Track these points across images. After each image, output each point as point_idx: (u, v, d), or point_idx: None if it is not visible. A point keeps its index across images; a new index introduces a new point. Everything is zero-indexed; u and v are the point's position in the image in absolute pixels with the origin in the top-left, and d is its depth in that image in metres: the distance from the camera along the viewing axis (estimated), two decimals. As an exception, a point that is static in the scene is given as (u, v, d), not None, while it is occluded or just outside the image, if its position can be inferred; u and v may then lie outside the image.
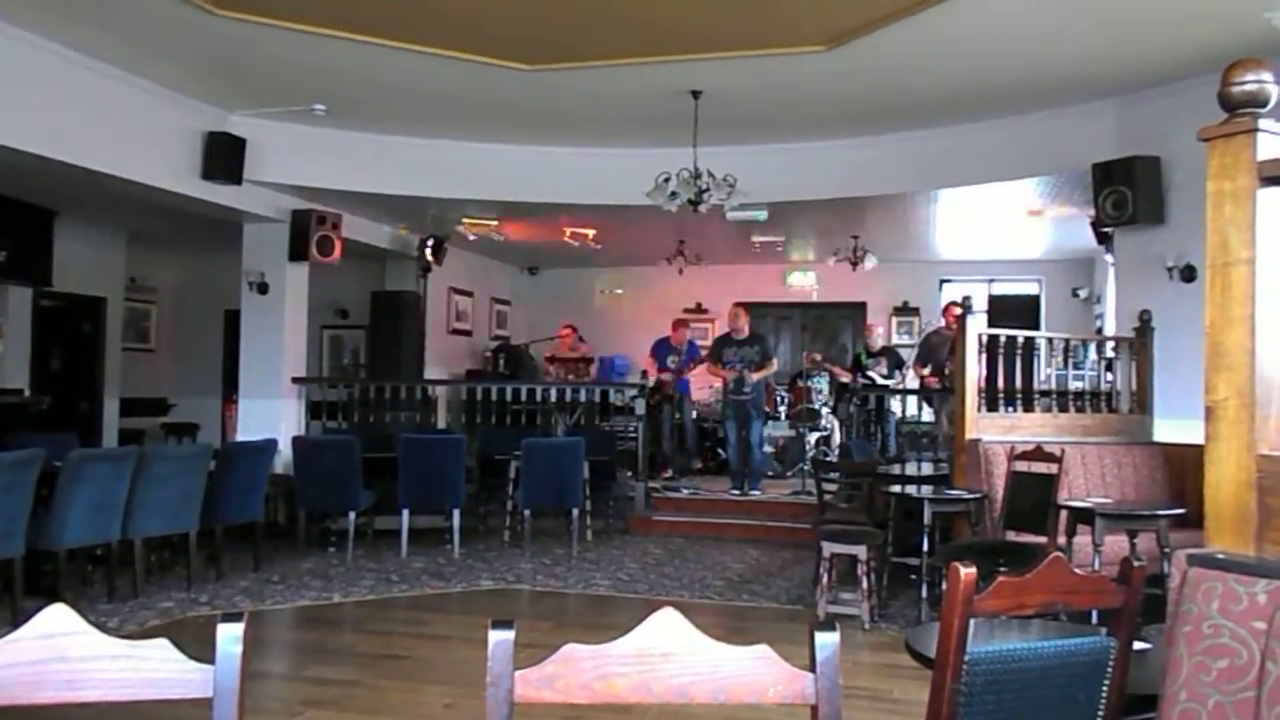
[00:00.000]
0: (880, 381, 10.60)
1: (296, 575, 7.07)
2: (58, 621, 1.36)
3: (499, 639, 1.42)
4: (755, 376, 9.68)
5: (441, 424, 11.10)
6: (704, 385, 11.79)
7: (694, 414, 11.49)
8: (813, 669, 1.46)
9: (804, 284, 13.71)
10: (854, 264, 11.66)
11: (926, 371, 10.04)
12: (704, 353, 10.82)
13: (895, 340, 13.02)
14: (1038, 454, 5.69)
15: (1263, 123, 2.16)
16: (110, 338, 11.69)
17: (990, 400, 6.61)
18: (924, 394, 10.11)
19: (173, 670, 1.38)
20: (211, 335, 12.66)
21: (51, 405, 10.00)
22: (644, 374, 10.98)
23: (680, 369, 10.85)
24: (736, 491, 9.69)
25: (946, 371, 9.26)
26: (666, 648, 1.45)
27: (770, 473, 10.71)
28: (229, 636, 1.40)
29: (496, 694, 1.40)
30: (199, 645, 1.47)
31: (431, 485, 7.88)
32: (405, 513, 7.84)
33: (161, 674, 1.38)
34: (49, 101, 6.65)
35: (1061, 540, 5.51)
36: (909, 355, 11.23)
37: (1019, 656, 1.83)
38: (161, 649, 1.39)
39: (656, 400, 11.00)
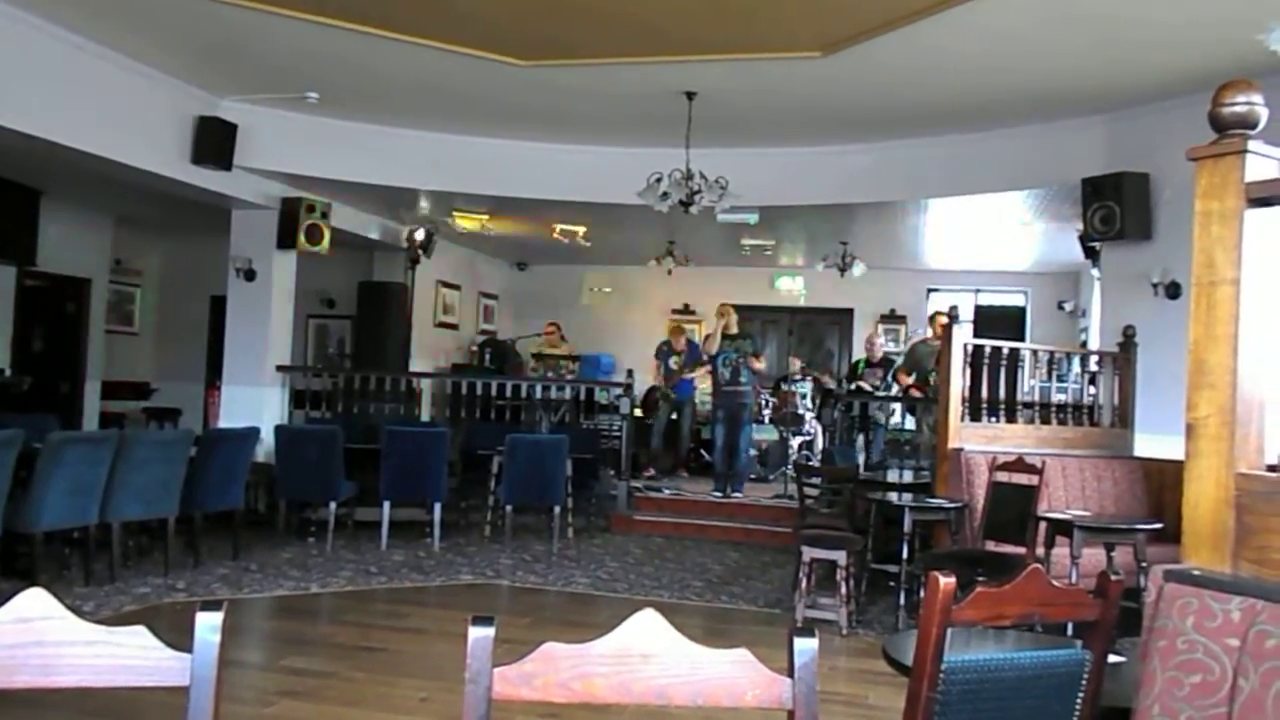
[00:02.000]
0: (869, 389, 10.65)
1: (275, 564, 7.04)
2: (34, 605, 1.36)
3: (479, 635, 1.42)
4: (757, 365, 9.76)
5: (425, 417, 11.08)
6: (699, 388, 11.84)
7: (691, 418, 11.52)
8: (791, 674, 1.46)
9: (792, 288, 13.75)
10: (842, 270, 11.69)
11: (911, 380, 10.08)
12: (705, 356, 10.73)
13: (881, 350, 13.05)
14: (1019, 465, 5.71)
15: (1252, 144, 2.17)
16: (94, 319, 11.61)
17: (974, 410, 6.65)
18: (908, 402, 10.15)
19: (150, 658, 1.38)
20: (196, 320, 12.59)
21: (32, 386, 9.92)
22: (629, 373, 10.99)
23: (682, 369, 10.92)
24: (718, 494, 9.71)
25: (931, 381, 9.32)
26: (646, 649, 1.45)
27: (753, 475, 10.74)
28: (207, 625, 1.40)
29: (475, 690, 1.40)
30: (175, 632, 1.46)
31: (413, 478, 7.86)
32: (386, 505, 7.82)
33: (138, 661, 1.37)
34: (38, 81, 6.59)
35: (1040, 551, 5.54)
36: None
37: (995, 667, 1.84)
38: (139, 636, 1.38)
39: (656, 398, 11.05)
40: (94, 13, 6.42)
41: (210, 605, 1.42)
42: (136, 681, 1.38)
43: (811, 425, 11.17)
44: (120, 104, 7.30)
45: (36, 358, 10.92)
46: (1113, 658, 2.16)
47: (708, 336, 10.38)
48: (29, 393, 9.74)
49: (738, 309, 10.70)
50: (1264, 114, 2.19)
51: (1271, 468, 2.23)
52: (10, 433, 5.53)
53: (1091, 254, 8.43)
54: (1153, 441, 6.66)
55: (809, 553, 5.82)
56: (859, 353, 12.13)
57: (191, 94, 7.91)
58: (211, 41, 6.91)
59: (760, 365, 10.01)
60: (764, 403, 11.48)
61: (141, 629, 1.39)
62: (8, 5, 6.23)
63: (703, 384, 11.57)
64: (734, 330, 9.90)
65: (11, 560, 5.98)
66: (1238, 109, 2.16)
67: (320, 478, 7.72)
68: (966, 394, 6.59)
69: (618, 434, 10.01)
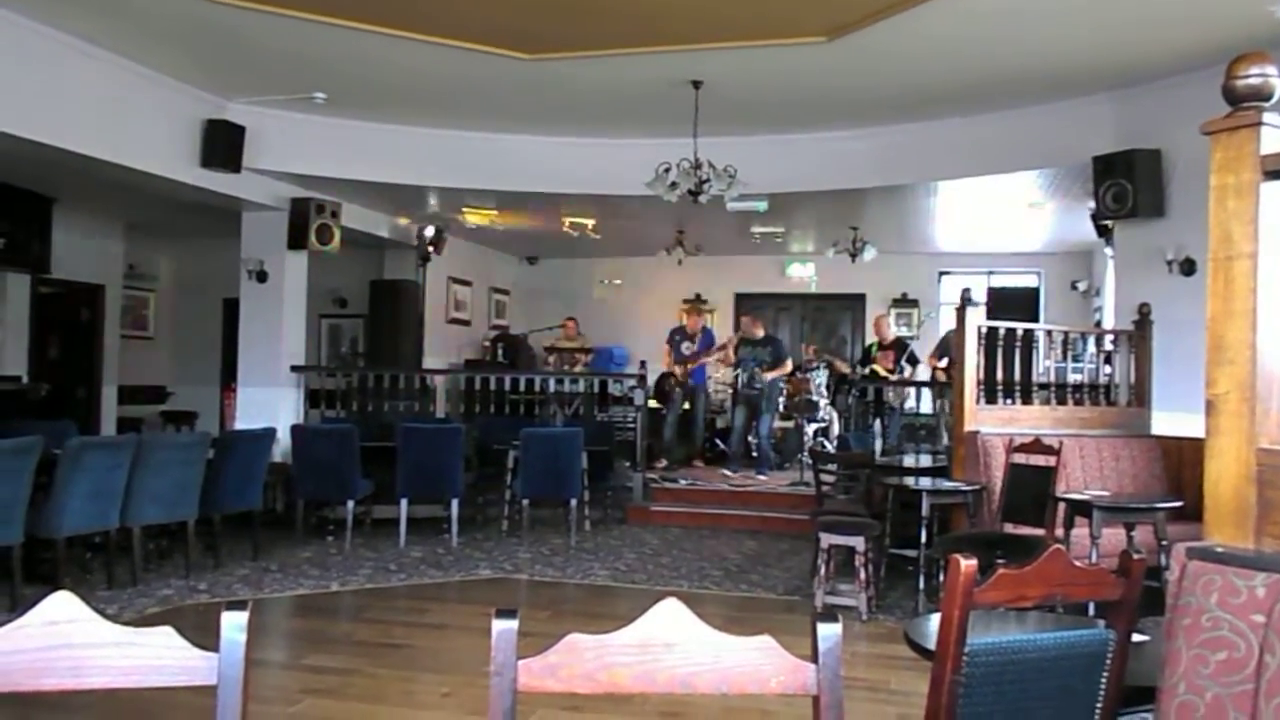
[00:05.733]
0: (882, 374, 10.66)
1: (294, 564, 7.08)
2: (62, 609, 1.37)
3: (502, 628, 1.42)
4: (768, 376, 10.24)
5: (440, 413, 11.09)
6: (712, 377, 11.89)
7: (705, 407, 11.57)
8: (815, 660, 1.46)
9: (803, 275, 13.72)
10: (853, 255, 11.65)
11: (943, 365, 10.09)
12: (718, 340, 11.17)
13: (894, 332, 13.01)
14: (1036, 446, 5.69)
15: (1267, 117, 2.15)
16: (109, 325, 11.68)
17: (989, 392, 6.62)
18: (924, 386, 10.14)
19: (177, 658, 1.39)
20: (210, 323, 12.65)
21: (50, 393, 9.99)
22: (642, 364, 10.99)
23: (696, 355, 10.94)
24: (728, 472, 10.14)
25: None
26: (669, 638, 1.45)
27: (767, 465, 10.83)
28: (233, 624, 1.40)
29: (500, 683, 1.40)
30: (198, 633, 1.47)
31: (430, 474, 7.89)
32: (404, 502, 7.85)
33: (166, 661, 1.38)
34: (48, 88, 6.62)
35: (1059, 532, 5.52)
36: (915, 346, 11.23)
37: (1018, 648, 1.84)
38: (165, 636, 1.39)
39: (670, 387, 11.07)
40: (99, 19, 6.43)
41: (236, 605, 1.43)
42: (164, 682, 1.39)
43: (826, 411, 11.15)
44: (128, 109, 7.33)
45: (53, 365, 10.99)
46: (1135, 636, 2.15)
47: (728, 340, 10.94)
48: (46, 400, 9.80)
49: (750, 298, 10.77)
50: (1278, 86, 2.17)
51: (1292, 442, 2.21)
52: (30, 440, 5.57)
53: (1104, 232, 8.38)
54: (1170, 419, 6.62)
55: (827, 539, 5.81)
56: (871, 338, 12.09)
57: (199, 97, 7.93)
58: (217, 44, 6.92)
59: (773, 374, 10.31)
60: (778, 390, 11.46)
61: (168, 630, 1.40)
62: (13, 14, 6.26)
63: (716, 373, 11.62)
64: (756, 336, 10.42)
65: (35, 566, 6.02)
66: (1252, 81, 2.14)
67: (337, 477, 7.75)
68: (982, 376, 6.57)
69: (632, 425, 10.03)
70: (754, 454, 10.46)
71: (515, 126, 8.76)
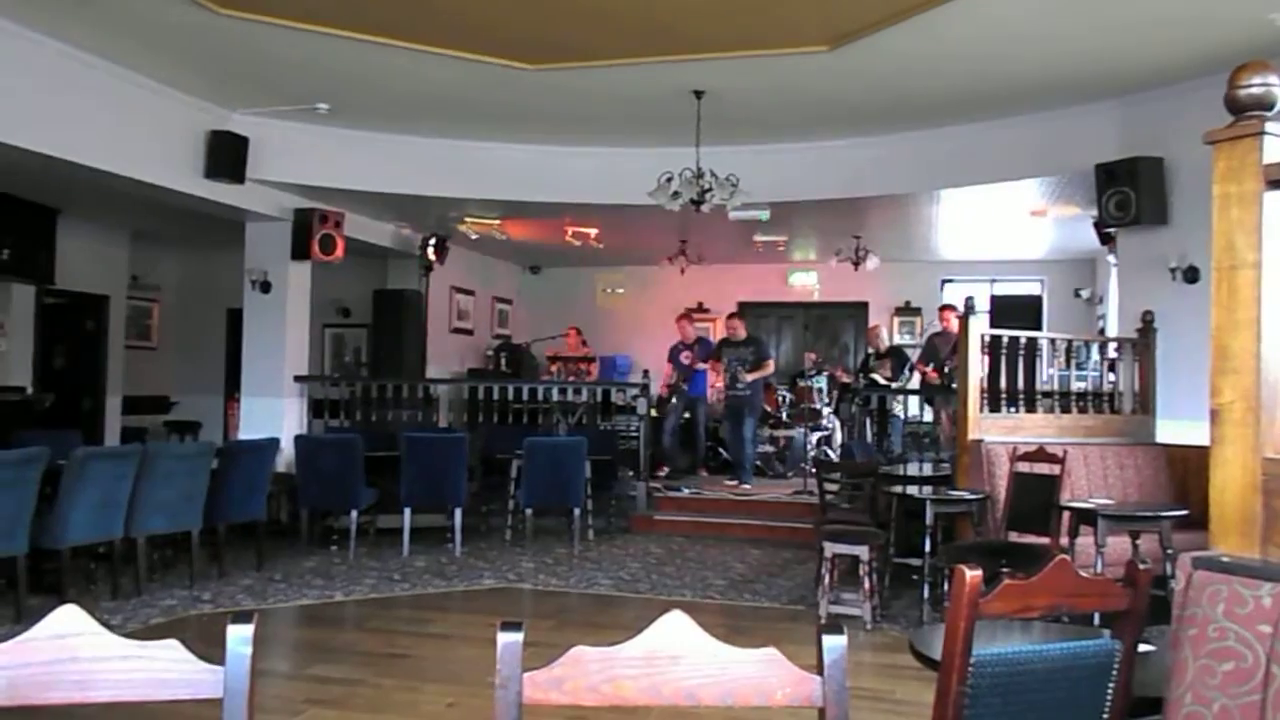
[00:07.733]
0: (883, 382, 10.67)
1: (299, 574, 7.07)
2: (69, 622, 1.37)
3: (508, 640, 1.42)
4: (749, 377, 10.06)
5: (443, 423, 11.11)
6: (714, 385, 11.89)
7: (706, 416, 11.55)
8: (820, 671, 1.46)
9: (806, 284, 13.72)
10: (856, 264, 11.66)
11: (929, 369, 10.11)
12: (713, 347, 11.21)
13: (897, 340, 13.02)
14: (1040, 455, 5.68)
15: (1270, 126, 2.15)
16: (113, 336, 11.70)
17: (993, 401, 6.61)
18: (926, 394, 10.14)
19: (183, 671, 1.39)
20: (214, 333, 12.67)
21: (54, 403, 10.01)
22: (645, 373, 10.98)
23: (694, 363, 10.95)
24: (732, 482, 10.03)
25: (947, 370, 9.33)
26: (675, 650, 1.45)
27: (771, 473, 10.81)
28: (239, 637, 1.41)
29: (505, 695, 1.40)
30: (203, 643, 1.48)
31: (433, 484, 7.88)
32: (407, 511, 7.85)
33: (172, 674, 1.39)
34: (52, 100, 6.65)
35: (1064, 541, 5.51)
36: (913, 354, 11.25)
37: (1025, 659, 1.84)
38: (171, 649, 1.40)
39: (669, 393, 11.08)
40: (103, 31, 6.46)
41: (241, 617, 1.43)
42: (170, 695, 1.39)
43: (829, 420, 11.15)
44: (132, 120, 7.35)
45: (58, 375, 11.01)
46: (1142, 647, 2.15)
47: (718, 343, 10.90)
48: (51, 410, 9.83)
49: (752, 306, 10.73)
50: (1281, 95, 2.17)
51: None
52: (35, 450, 5.58)
53: (1107, 240, 8.38)
54: (1175, 427, 6.61)
55: (831, 548, 5.80)
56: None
57: (202, 108, 7.96)
58: (220, 55, 6.94)
59: (752, 375, 10.10)
60: (781, 400, 11.47)
61: (174, 643, 1.40)
62: (18, 26, 6.29)
63: (717, 382, 11.64)
64: (739, 337, 10.32)
65: (39, 576, 6.03)
66: (1254, 90, 2.14)
67: (341, 486, 7.75)
68: (985, 385, 6.56)
69: (635, 434, 10.03)
70: (740, 462, 10.17)
71: (518, 136, 8.78)
